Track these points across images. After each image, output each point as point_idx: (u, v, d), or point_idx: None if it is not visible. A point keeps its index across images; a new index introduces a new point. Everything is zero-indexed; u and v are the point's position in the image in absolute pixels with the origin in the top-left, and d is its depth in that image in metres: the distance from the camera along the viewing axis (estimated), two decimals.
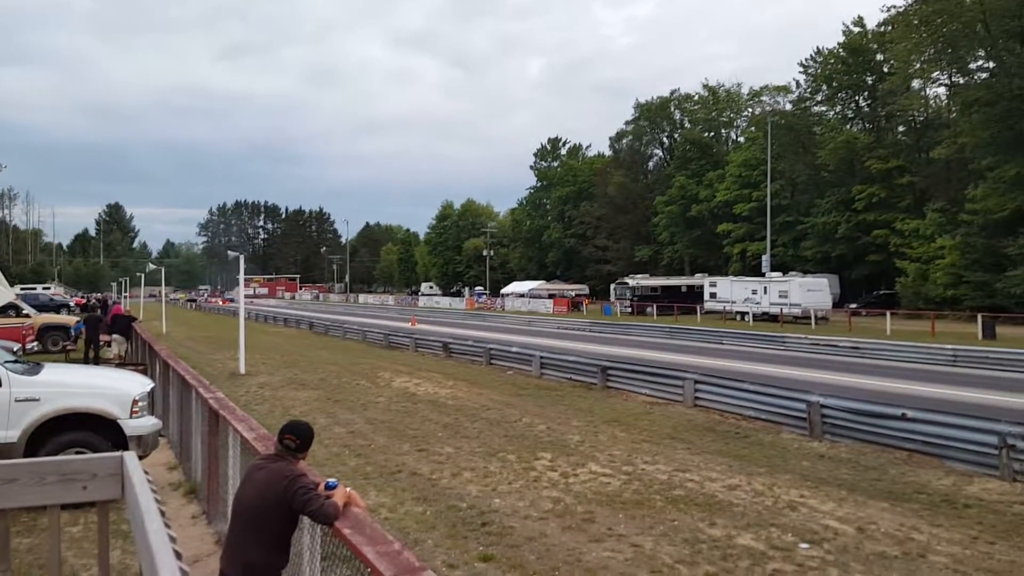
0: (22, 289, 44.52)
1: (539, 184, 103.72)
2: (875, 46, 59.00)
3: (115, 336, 23.76)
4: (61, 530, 3.25)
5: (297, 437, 4.04)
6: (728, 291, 51.52)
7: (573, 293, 76.68)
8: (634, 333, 38.56)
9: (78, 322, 26.25)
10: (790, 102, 68.37)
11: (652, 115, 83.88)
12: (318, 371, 21.97)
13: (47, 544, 3.54)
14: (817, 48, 63.38)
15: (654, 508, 8.47)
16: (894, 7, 53.41)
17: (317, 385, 18.90)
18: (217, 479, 7.20)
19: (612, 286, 65.69)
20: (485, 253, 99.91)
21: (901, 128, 60.31)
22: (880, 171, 55.19)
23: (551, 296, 72.60)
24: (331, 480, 3.86)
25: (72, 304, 44.70)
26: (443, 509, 8.35)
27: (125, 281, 62.22)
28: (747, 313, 47.86)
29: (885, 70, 58.27)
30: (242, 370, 21.29)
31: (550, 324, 47.55)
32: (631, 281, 62.28)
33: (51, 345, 26.02)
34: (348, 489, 3.85)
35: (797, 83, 66.79)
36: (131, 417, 8.65)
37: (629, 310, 58.24)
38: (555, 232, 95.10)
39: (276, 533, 3.85)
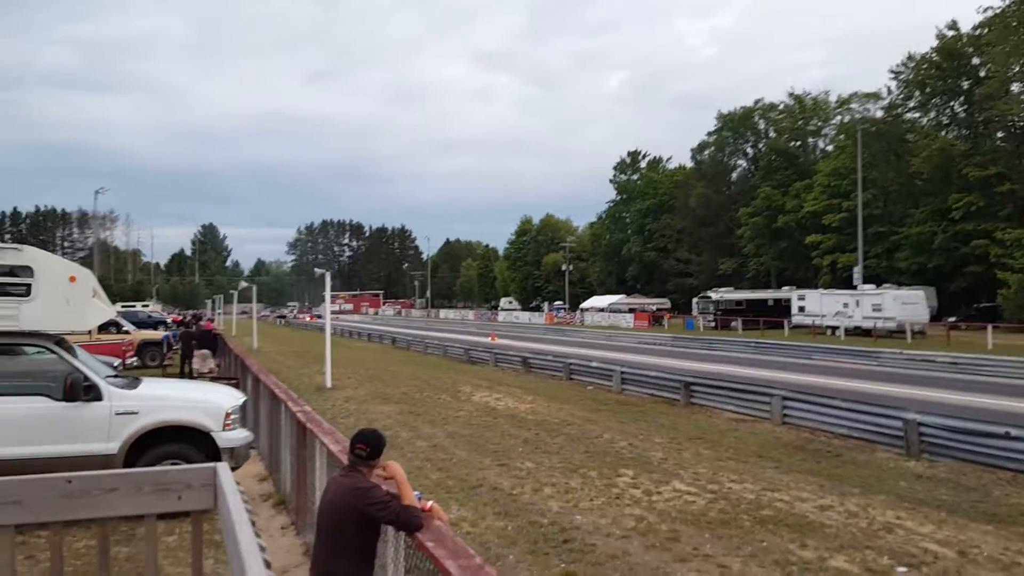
0: (122, 307, 46.69)
1: (619, 198, 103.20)
2: (971, 50, 56.63)
3: (202, 351, 24.67)
4: (157, 539, 3.37)
5: (367, 445, 4.10)
6: (818, 304, 50.08)
7: (654, 307, 75.86)
8: (718, 348, 37.84)
9: (171, 332, 27.46)
10: (881, 109, 66.17)
11: (735, 125, 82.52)
12: (400, 385, 22.31)
13: (144, 553, 3.68)
14: (909, 54, 61.26)
15: (742, 528, 8.26)
16: (991, 8, 51.40)
17: (400, 399, 19.18)
18: (305, 491, 7.37)
19: (695, 300, 64.70)
20: (564, 268, 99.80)
21: (1000, 134, 57.60)
22: (978, 179, 52.82)
23: (631, 310, 71.99)
24: (417, 492, 3.91)
25: (169, 321, 46.62)
26: (524, 524, 8.34)
27: (219, 298, 64.59)
28: (838, 327, 46.39)
29: (982, 74, 55.84)
30: (328, 384, 21.79)
31: (631, 339, 47.13)
32: (714, 295, 61.21)
33: (149, 360, 27.21)
34: (431, 502, 3.90)
35: (888, 90, 64.61)
36: (224, 430, 8.95)
37: (713, 325, 57.21)
38: (635, 246, 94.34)
39: (356, 544, 3.92)
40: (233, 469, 5.96)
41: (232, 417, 9.11)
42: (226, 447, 8.85)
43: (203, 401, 9.18)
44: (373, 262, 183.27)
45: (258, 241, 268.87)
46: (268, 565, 2.31)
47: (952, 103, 60.58)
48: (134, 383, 9.38)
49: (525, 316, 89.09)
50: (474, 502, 9.28)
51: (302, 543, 7.45)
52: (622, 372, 21.15)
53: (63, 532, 3.27)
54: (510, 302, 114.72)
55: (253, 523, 2.74)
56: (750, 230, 74.81)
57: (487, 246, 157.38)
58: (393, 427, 14.62)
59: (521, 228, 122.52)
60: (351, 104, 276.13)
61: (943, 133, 60.07)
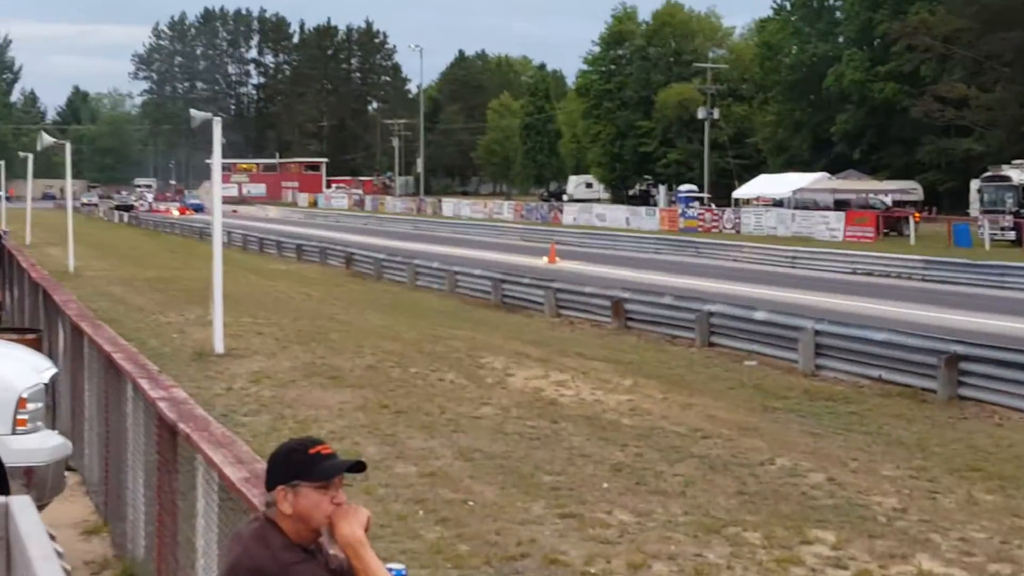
0: None
1: None
2: None
3: None
4: None
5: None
6: None
7: (888, 199, 74.95)
8: (1018, 283, 37.53)
9: None
10: None
11: None
12: (364, 350, 22.60)
13: None
14: None
15: None
16: None
17: (361, 378, 19.48)
18: (175, 557, 7.60)
19: (976, 185, 63.85)
20: (702, 114, 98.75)
21: None
22: None
23: (840, 205, 71.34)
24: (397, 568, 4.04)
25: None
26: None
27: None
28: None
29: None
30: (218, 346, 22.10)
31: (836, 262, 46.94)
32: (1018, 174, 60.41)
33: None
34: None
35: None
36: (14, 432, 9.18)
37: (1013, 236, 56.62)
38: (851, 68, 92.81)
39: None
40: (39, 509, 6.21)
41: (30, 408, 9.34)
42: (18, 465, 9.10)
43: None
44: (308, 99, 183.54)
45: (77, 52, 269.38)
46: None
47: None
48: None
49: (618, 214, 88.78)
50: None
51: None
52: (817, 332, 21.18)
53: None
54: (588, 186, 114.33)
55: None
56: None
57: (541, 68, 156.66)
58: (347, 434, 14.86)
59: (613, 29, 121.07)
60: None
61: None
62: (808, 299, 31.17)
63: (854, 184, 79.02)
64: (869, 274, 42.93)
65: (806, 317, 22.62)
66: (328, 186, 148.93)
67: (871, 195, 75.45)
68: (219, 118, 23.95)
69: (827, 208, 71.13)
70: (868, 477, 13.36)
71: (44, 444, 9.45)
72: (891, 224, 66.21)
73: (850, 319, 23.23)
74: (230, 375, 19.60)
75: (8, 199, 68.02)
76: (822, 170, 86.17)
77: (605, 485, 12.82)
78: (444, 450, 14.38)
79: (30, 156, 55.63)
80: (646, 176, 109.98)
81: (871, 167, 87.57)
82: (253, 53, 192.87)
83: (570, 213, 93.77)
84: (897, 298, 33.54)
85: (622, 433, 15.49)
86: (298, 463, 3.98)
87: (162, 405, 7.93)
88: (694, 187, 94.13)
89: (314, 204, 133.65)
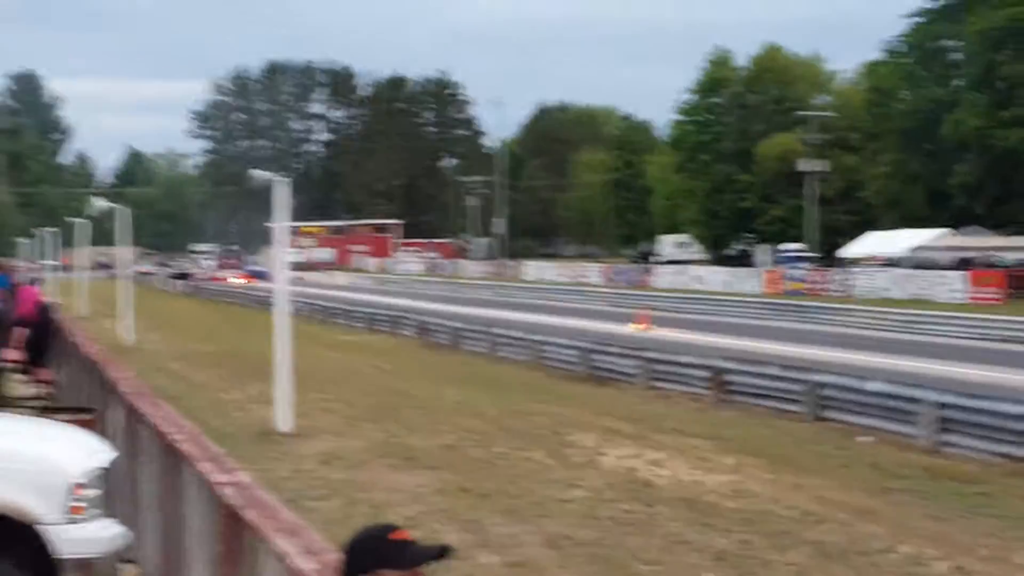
0: None
1: (936, 4, 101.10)
2: None
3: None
4: None
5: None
6: None
7: (1014, 259, 74.23)
8: None
9: None
10: None
11: None
12: (441, 428, 22.67)
13: None
14: None
15: None
16: None
17: (439, 459, 19.50)
18: None
19: None
20: (807, 166, 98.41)
21: None
22: None
23: (963, 264, 70.81)
24: None
25: None
26: None
27: (51, 235, 65.71)
28: None
29: None
30: (284, 425, 22.23)
31: (960, 326, 46.64)
32: None
33: None
34: None
35: None
36: (67, 520, 9.27)
37: None
38: (972, 113, 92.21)
39: None
40: None
41: (87, 495, 9.42)
42: (73, 556, 9.18)
43: (24, 460, 9.53)
44: (378, 156, 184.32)
45: (129, 109, 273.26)
46: None
47: None
48: None
49: (717, 276, 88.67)
50: None
51: None
52: (941, 405, 20.99)
53: None
54: (681, 244, 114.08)
55: None
56: None
57: (628, 119, 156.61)
58: (427, 521, 14.85)
59: (709, 76, 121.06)
60: None
61: None
62: (929, 368, 31.00)
63: (978, 241, 78.51)
64: (997, 340, 42.58)
65: (927, 388, 22.46)
66: (398, 247, 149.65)
67: (993, 254, 74.87)
68: (282, 178, 24.11)
69: (948, 268, 70.69)
70: (1000, 566, 13.21)
71: (101, 534, 9.50)
72: (1020, 284, 65.67)
73: (977, 390, 23.04)
74: (297, 456, 19.70)
75: (64, 268, 68.93)
76: (940, 226, 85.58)
77: None
78: (530, 537, 14.36)
79: (84, 223, 56.10)
80: (746, 234, 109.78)
81: (995, 222, 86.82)
82: (319, 108, 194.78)
83: (663, 276, 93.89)
84: (1017, 365, 33.23)
85: (725, 517, 15.42)
86: (381, 550, 3.96)
87: (226, 491, 7.98)
88: (799, 246, 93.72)
89: (385, 269, 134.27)
